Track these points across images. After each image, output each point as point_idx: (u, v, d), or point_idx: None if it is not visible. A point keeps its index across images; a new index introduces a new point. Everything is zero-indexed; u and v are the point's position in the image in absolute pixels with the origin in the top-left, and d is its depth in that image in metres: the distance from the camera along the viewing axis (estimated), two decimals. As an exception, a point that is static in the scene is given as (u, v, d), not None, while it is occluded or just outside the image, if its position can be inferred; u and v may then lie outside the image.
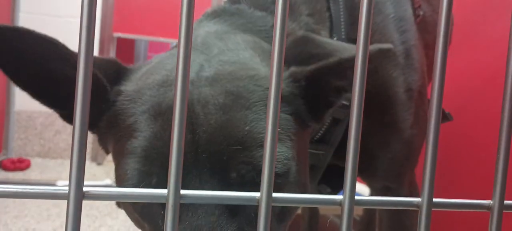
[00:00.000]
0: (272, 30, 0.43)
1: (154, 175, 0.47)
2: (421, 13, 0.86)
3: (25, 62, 0.53)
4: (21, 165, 2.30)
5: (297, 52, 0.57)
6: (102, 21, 2.53)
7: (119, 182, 0.51)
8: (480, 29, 1.25)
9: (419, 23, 0.86)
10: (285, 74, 0.54)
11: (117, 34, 2.63)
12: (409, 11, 0.81)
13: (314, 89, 0.55)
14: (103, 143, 0.60)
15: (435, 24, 0.97)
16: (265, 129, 0.49)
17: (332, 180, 0.84)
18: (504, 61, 0.30)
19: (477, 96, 1.23)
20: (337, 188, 0.85)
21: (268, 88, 0.50)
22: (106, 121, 0.56)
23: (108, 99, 0.54)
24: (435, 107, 0.28)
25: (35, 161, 2.47)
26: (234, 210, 0.47)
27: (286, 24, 0.25)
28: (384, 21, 0.75)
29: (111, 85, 0.55)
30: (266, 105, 0.50)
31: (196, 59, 0.54)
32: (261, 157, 0.47)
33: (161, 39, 2.74)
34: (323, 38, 0.64)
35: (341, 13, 0.70)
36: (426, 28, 0.91)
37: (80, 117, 0.23)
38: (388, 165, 0.78)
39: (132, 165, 0.48)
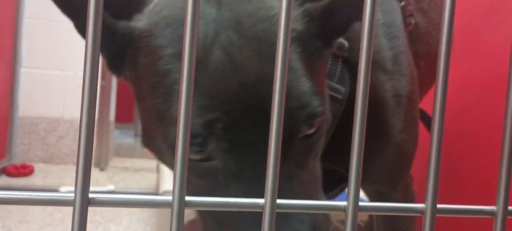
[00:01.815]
0: None
1: (218, 111, 0.47)
2: (413, 21, 0.86)
3: None
4: (24, 170, 2.30)
5: None
6: (105, 27, 2.54)
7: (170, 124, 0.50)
8: (482, 34, 1.25)
9: (411, 32, 0.86)
10: (298, 12, 0.55)
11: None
12: (399, 18, 0.81)
13: (328, 23, 0.55)
14: (134, 86, 0.59)
15: (429, 35, 0.97)
16: (295, 79, 0.50)
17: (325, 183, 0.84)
18: (506, 66, 0.31)
19: (479, 101, 1.23)
20: (329, 190, 0.84)
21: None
22: (129, 63, 0.56)
23: (124, 38, 0.55)
24: (438, 113, 0.28)
25: (38, 167, 2.47)
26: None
27: None
28: None
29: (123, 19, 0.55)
30: (294, 52, 0.52)
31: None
32: (298, 108, 0.49)
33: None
34: None
35: None
36: (419, 38, 0.91)
37: (86, 124, 0.23)
38: (378, 170, 0.78)
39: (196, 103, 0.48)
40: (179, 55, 0.49)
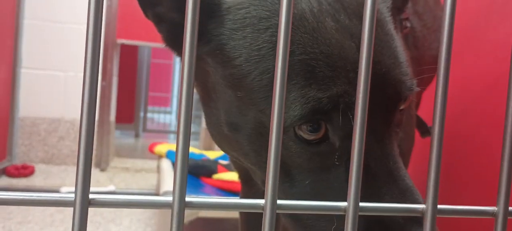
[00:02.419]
0: None
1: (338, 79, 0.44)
2: (408, 25, 0.85)
3: None
4: (25, 171, 2.31)
5: None
6: (106, 28, 2.54)
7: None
8: (483, 34, 1.25)
9: (406, 36, 0.85)
10: None
11: (121, 41, 2.64)
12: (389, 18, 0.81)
13: None
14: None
15: (424, 38, 0.96)
16: (400, 46, 0.49)
17: None
18: (507, 65, 0.30)
19: (480, 101, 1.23)
20: None
21: None
22: (208, 37, 0.52)
23: (207, 8, 0.51)
24: (439, 113, 0.28)
25: (39, 167, 2.47)
26: None
27: None
28: None
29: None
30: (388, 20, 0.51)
31: None
32: (404, 75, 0.48)
33: (164, 45, 2.74)
34: None
35: None
36: (415, 43, 0.91)
37: (86, 125, 0.23)
38: None
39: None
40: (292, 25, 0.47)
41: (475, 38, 1.28)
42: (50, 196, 0.25)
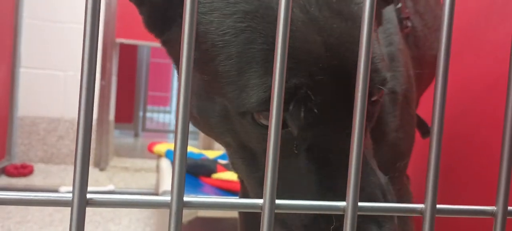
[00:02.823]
0: None
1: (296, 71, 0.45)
2: (410, 24, 0.85)
3: None
4: (24, 170, 2.30)
5: None
6: (105, 27, 2.54)
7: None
8: (483, 34, 1.25)
9: (408, 35, 0.85)
10: None
11: (120, 40, 2.64)
12: (394, 15, 0.80)
13: None
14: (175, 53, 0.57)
15: (425, 38, 0.96)
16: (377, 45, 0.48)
17: None
18: (506, 66, 0.30)
19: (479, 101, 1.23)
20: None
21: None
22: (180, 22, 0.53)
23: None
24: (438, 113, 0.27)
25: (38, 167, 2.47)
26: None
27: None
28: None
29: None
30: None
31: None
32: (373, 71, 0.47)
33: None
34: None
35: None
36: (416, 42, 0.90)
37: (84, 123, 0.23)
38: None
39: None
40: (253, 13, 0.46)
41: (475, 38, 1.28)
42: (47, 196, 0.25)
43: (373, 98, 0.50)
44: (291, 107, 0.45)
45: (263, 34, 0.46)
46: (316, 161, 0.47)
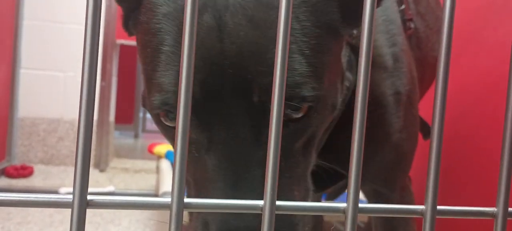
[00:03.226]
0: None
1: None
2: (413, 26, 0.85)
3: None
4: (24, 172, 2.30)
5: None
6: (105, 28, 2.54)
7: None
8: (483, 34, 1.25)
9: (410, 37, 0.85)
10: None
11: (120, 41, 2.64)
12: (398, 16, 0.80)
13: None
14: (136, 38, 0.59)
15: (428, 40, 0.96)
16: (293, 53, 0.45)
17: (317, 180, 0.81)
18: (506, 66, 0.30)
19: (480, 101, 1.23)
20: (321, 188, 0.82)
21: None
22: (134, 22, 0.56)
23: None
24: (438, 114, 0.27)
25: (38, 168, 2.47)
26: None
27: None
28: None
29: None
30: (297, 21, 0.47)
31: None
32: (302, 85, 0.45)
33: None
34: None
35: None
36: (418, 44, 0.90)
37: (84, 125, 0.23)
38: (375, 169, 0.76)
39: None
40: (171, 15, 0.47)
41: (475, 39, 1.28)
42: (47, 197, 0.25)
43: (297, 116, 0.48)
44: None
45: (170, 36, 0.47)
46: (213, 161, 0.47)
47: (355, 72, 0.66)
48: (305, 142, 0.52)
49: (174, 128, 0.47)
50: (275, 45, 0.46)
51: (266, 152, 0.46)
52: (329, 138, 0.66)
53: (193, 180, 0.50)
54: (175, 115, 0.45)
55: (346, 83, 0.63)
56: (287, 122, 0.48)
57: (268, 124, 0.45)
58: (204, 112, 0.46)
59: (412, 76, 0.79)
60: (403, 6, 0.83)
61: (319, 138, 0.56)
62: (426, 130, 0.94)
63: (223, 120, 0.46)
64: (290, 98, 0.46)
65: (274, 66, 0.26)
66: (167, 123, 0.49)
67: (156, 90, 0.47)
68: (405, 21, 0.82)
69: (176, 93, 0.45)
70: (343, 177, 0.75)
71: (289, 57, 0.45)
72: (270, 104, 0.45)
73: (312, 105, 0.48)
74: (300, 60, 0.46)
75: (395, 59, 0.74)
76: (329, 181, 0.77)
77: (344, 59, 0.62)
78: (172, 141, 0.52)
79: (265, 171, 0.44)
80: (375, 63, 0.71)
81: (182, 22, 0.45)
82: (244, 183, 0.45)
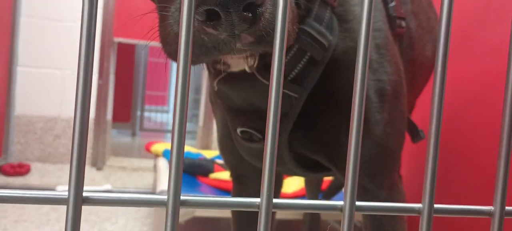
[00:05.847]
0: None
1: None
2: (404, 24, 0.83)
3: None
4: (21, 169, 2.30)
5: None
6: (103, 26, 2.54)
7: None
8: (480, 34, 1.25)
9: (402, 36, 0.83)
10: None
11: (118, 39, 2.63)
12: (380, 6, 0.77)
13: None
14: None
15: (420, 40, 0.94)
16: None
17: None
18: (504, 66, 0.30)
19: (477, 101, 1.23)
20: (308, 171, 0.80)
21: None
22: None
23: None
24: (436, 114, 0.27)
25: (35, 166, 2.46)
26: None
27: None
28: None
29: None
30: None
31: None
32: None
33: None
34: None
35: None
36: (411, 43, 0.88)
37: (80, 122, 0.23)
38: (360, 164, 0.74)
39: None
40: None
41: (473, 37, 1.28)
42: (43, 194, 0.25)
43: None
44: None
45: None
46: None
47: (336, 35, 0.68)
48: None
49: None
50: None
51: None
52: (308, 109, 0.67)
53: None
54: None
55: (325, 42, 0.66)
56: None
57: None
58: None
59: (397, 68, 0.76)
60: (393, 3, 0.81)
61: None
62: (414, 132, 0.91)
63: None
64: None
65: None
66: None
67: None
68: (394, 18, 0.81)
69: None
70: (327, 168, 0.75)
71: None
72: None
73: None
74: None
75: (378, 50, 0.72)
76: (312, 167, 0.77)
77: (324, 17, 0.67)
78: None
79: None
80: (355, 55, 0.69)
81: None
82: None
